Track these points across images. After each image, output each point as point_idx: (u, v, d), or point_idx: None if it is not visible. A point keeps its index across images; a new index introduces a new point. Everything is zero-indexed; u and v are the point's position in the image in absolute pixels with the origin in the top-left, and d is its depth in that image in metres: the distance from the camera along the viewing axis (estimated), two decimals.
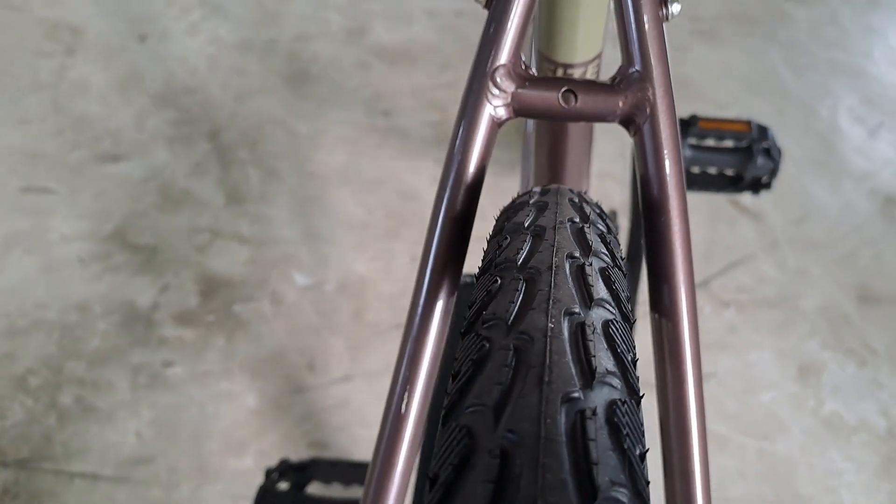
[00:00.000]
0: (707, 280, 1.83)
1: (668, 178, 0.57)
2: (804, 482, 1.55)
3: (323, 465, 1.17)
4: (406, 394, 0.58)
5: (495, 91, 0.58)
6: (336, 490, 1.24)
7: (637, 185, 0.60)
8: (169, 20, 2.35)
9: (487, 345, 0.44)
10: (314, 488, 1.19)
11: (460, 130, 0.58)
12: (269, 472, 1.16)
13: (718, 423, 1.60)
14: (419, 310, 0.58)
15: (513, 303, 0.46)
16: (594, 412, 0.37)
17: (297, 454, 1.44)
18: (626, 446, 0.37)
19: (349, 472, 1.17)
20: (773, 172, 1.33)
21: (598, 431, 0.36)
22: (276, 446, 1.51)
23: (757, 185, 1.35)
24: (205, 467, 1.49)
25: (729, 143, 1.34)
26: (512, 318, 0.45)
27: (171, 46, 2.28)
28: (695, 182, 1.36)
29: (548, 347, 0.41)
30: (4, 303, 1.70)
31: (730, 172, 1.35)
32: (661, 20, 0.58)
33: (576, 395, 0.38)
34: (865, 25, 2.49)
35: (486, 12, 0.60)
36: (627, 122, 0.59)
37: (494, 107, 0.58)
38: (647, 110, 0.57)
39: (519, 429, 0.36)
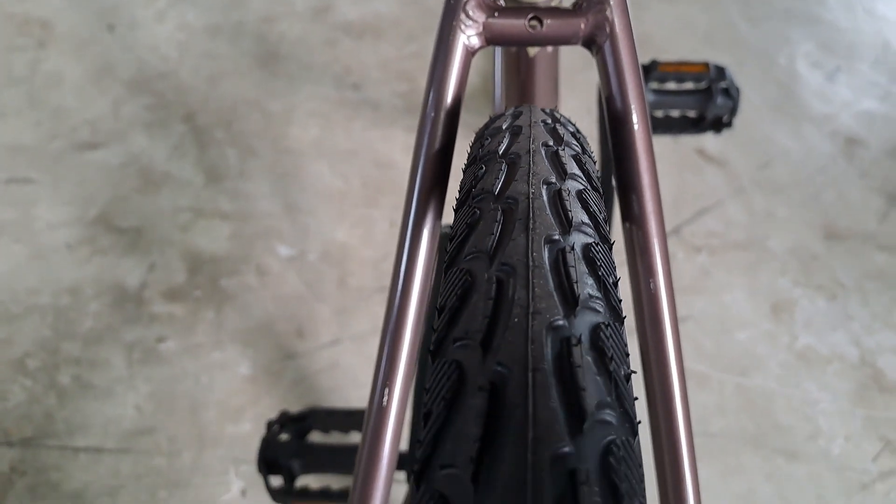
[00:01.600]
0: (678, 227, 1.87)
1: (630, 91, 0.62)
2: (783, 413, 1.59)
3: (321, 414, 1.20)
4: (398, 311, 0.63)
5: (468, 22, 0.62)
6: (335, 437, 1.28)
7: (602, 104, 0.65)
8: (136, 9, 2.36)
9: (479, 211, 0.49)
10: (314, 437, 1.23)
11: (437, 61, 0.62)
12: (270, 424, 1.20)
13: (697, 363, 1.65)
14: (409, 229, 0.62)
15: (499, 175, 0.51)
16: (572, 248, 0.43)
17: None
18: (600, 273, 0.43)
19: (346, 419, 1.20)
20: (733, 111, 1.37)
21: (577, 262, 0.42)
22: (271, 410, 1.54)
23: (718, 125, 1.40)
24: (204, 434, 1.53)
25: (689, 86, 1.38)
26: (499, 189, 0.50)
27: (141, 35, 2.29)
28: (659, 125, 1.40)
29: (530, 205, 0.47)
30: None
31: (692, 114, 1.40)
32: None
33: (556, 237, 0.44)
34: None
35: None
36: (589, 42, 0.63)
37: (468, 36, 0.62)
38: (607, 29, 0.61)
39: (510, 261, 0.42)
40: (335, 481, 1.21)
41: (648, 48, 2.28)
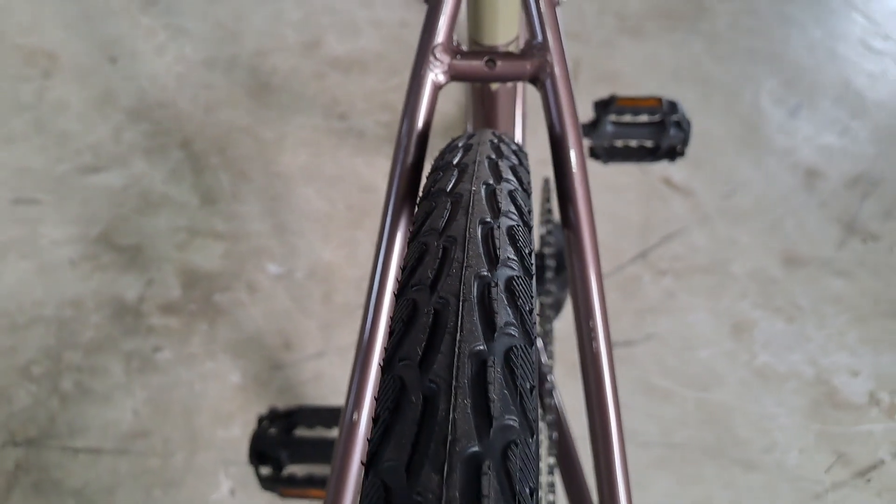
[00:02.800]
0: (645, 252, 1.93)
1: (566, 119, 0.76)
2: (741, 426, 1.67)
3: (307, 411, 1.29)
4: (372, 319, 0.74)
5: (435, 62, 0.76)
6: (320, 432, 1.37)
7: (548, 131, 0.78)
8: (137, 42, 2.42)
9: (435, 203, 0.62)
10: (300, 432, 1.31)
11: (410, 94, 0.76)
12: (260, 419, 1.30)
13: (661, 378, 1.72)
14: (385, 233, 0.74)
15: (451, 178, 0.64)
16: (499, 227, 0.57)
17: None
18: (518, 245, 0.56)
19: (330, 416, 1.29)
20: (685, 141, 1.46)
21: (501, 236, 0.55)
22: None
23: (672, 154, 1.48)
24: (197, 438, 1.62)
25: (644, 118, 1.48)
26: (450, 188, 0.63)
27: (141, 66, 2.36)
28: (618, 154, 1.48)
29: (472, 198, 0.59)
30: (4, 303, 1.82)
31: (648, 144, 1.49)
32: (553, 4, 0.79)
33: (488, 220, 0.57)
34: (782, 15, 2.56)
35: (425, 7, 0.79)
36: (534, 80, 0.78)
37: (435, 74, 0.76)
38: (548, 70, 0.77)
39: (453, 234, 0.55)
40: (319, 470, 1.30)
41: (617, 84, 2.33)
